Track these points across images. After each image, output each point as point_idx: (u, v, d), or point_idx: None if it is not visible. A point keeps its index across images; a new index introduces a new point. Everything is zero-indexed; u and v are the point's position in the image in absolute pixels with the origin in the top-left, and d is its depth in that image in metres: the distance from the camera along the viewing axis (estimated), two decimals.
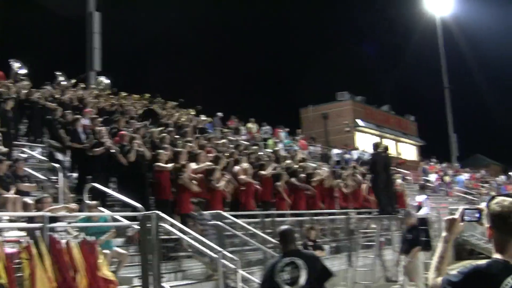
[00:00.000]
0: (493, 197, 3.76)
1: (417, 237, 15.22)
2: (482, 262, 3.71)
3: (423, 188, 25.41)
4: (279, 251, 6.99)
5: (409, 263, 15.36)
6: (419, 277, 15.44)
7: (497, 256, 3.65)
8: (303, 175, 18.98)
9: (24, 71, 23.05)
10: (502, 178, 54.73)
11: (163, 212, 11.45)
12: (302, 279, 6.39)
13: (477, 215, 3.95)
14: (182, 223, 13.14)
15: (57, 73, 25.92)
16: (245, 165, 16.84)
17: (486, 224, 3.77)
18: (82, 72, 30.51)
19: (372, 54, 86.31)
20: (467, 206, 4.22)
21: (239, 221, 13.75)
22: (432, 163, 47.64)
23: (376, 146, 18.54)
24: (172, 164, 14.61)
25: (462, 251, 28.55)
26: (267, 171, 17.61)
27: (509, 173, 59.11)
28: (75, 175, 15.87)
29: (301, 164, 21.33)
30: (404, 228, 16.40)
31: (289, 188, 18.11)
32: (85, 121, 18.10)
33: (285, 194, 17.67)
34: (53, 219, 9.70)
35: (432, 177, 42.47)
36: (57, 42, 53.21)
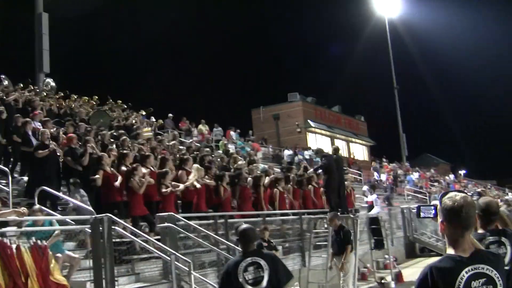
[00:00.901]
0: (445, 193, 3.83)
1: (345, 237, 15.34)
2: (437, 259, 3.78)
3: (373, 188, 25.67)
4: (239, 251, 6.92)
5: (344, 264, 15.51)
6: (351, 277, 15.68)
7: (450, 251, 3.72)
8: (250, 177, 18.90)
9: None
10: (450, 177, 55.73)
11: (112, 214, 11.37)
12: (265, 280, 6.40)
13: (433, 211, 4.02)
14: (134, 225, 13.10)
15: (2, 76, 25.45)
16: (196, 166, 16.74)
17: (439, 219, 3.83)
18: (31, 73, 30.00)
19: (323, 52, 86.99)
20: (422, 204, 4.31)
21: (191, 223, 13.68)
22: (384, 163, 48.22)
23: (317, 151, 18.99)
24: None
25: (413, 248, 28.97)
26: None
27: (458, 171, 60.24)
28: (25, 178, 15.66)
29: (250, 166, 21.33)
30: (331, 230, 16.56)
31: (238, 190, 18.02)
32: (35, 124, 17.89)
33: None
34: (3, 224, 9.55)
35: (383, 176, 42.98)
36: (5, 43, 52.38)
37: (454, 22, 75.90)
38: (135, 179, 13.83)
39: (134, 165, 14.30)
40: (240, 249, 7.31)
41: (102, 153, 14.73)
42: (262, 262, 6.44)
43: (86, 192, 13.94)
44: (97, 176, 13.92)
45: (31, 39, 32.73)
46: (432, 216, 4.08)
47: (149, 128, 25.56)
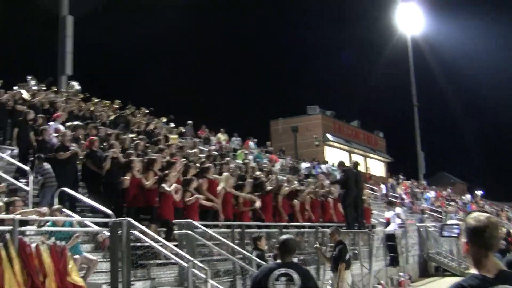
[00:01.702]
0: (469, 212, 3.80)
1: (340, 253, 14.70)
2: (463, 278, 3.74)
3: (391, 204, 25.57)
4: (277, 259, 6.85)
5: (338, 282, 14.85)
6: None
7: (473, 271, 3.67)
8: (269, 187, 18.94)
9: None
10: (467, 197, 55.35)
11: (134, 219, 11.42)
12: None
13: (456, 230, 3.98)
14: (168, 229, 13.26)
15: (28, 77, 25.62)
16: (226, 175, 16.85)
17: (463, 239, 3.80)
18: (54, 75, 30.15)
19: (346, 65, 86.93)
20: (446, 222, 4.27)
21: (209, 230, 13.69)
22: (401, 180, 48.00)
23: (340, 164, 18.81)
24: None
25: (427, 267, 28.80)
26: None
27: (475, 192, 59.81)
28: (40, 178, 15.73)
29: (269, 176, 21.37)
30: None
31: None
32: (56, 125, 18.02)
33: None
34: (23, 223, 9.60)
35: (400, 192, 42.78)
36: (29, 44, 52.86)
37: (477, 40, 75.54)
38: (166, 186, 13.95)
39: (166, 172, 14.42)
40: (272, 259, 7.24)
41: (134, 158, 14.80)
42: (295, 276, 6.38)
43: (107, 194, 14.03)
44: (126, 177, 14.01)
45: (54, 41, 32.97)
46: (455, 235, 4.06)
47: (176, 136, 25.66)
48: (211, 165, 17.55)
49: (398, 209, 23.33)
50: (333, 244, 15.63)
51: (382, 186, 41.70)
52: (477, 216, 3.70)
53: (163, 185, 14.00)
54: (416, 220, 30.26)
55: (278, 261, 6.69)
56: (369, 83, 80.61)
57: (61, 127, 17.90)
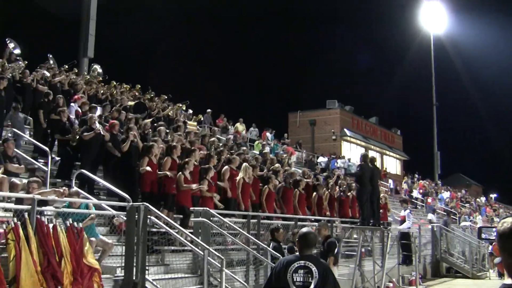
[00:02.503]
0: (504, 217, 3.64)
1: (329, 247, 14.22)
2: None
3: (405, 202, 25.48)
4: (296, 252, 6.82)
5: None
6: None
7: (508, 281, 3.39)
8: (290, 180, 18.99)
9: (18, 51, 22.79)
10: (482, 199, 55.11)
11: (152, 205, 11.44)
12: (312, 287, 6.33)
13: (495, 233, 3.83)
14: (184, 215, 13.32)
15: (49, 55, 25.70)
16: (245, 165, 16.89)
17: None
18: (75, 57, 30.19)
19: (365, 63, 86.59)
20: (484, 224, 4.16)
21: (226, 220, 13.70)
22: (416, 179, 47.92)
23: (364, 157, 18.55)
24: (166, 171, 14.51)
25: (439, 268, 28.68)
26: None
27: (489, 194, 59.56)
28: (57, 158, 15.83)
29: (287, 169, 21.36)
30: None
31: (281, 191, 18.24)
32: (76, 107, 18.08)
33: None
34: (41, 203, 9.61)
35: (415, 192, 42.66)
36: (52, 25, 52.97)
37: (500, 40, 74.99)
38: (186, 173, 13.98)
39: (186, 160, 14.44)
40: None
41: (154, 143, 14.81)
42: (314, 269, 6.35)
43: (125, 179, 14.06)
44: (144, 162, 14.05)
45: (77, 23, 33.02)
46: (494, 237, 3.91)
47: (195, 123, 25.70)
48: (236, 157, 17.59)
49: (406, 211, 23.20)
50: (358, 239, 15.63)
51: (390, 181, 41.56)
52: (506, 220, 3.46)
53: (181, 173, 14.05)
54: (441, 222, 30.10)
55: (297, 253, 6.67)
56: (390, 81, 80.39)
57: (78, 109, 18.01)
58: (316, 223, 19.04)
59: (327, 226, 15.32)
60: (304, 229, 6.85)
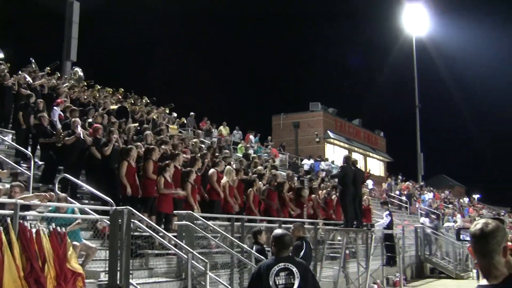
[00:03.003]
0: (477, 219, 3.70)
1: (295, 250, 14.34)
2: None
3: (385, 204, 25.65)
4: (273, 255, 6.82)
5: None
6: None
7: (482, 282, 3.55)
8: (274, 183, 19.01)
9: (1, 55, 22.73)
10: (465, 200, 55.46)
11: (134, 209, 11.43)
12: (295, 287, 6.36)
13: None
14: (158, 221, 13.22)
15: (32, 59, 25.61)
16: (228, 168, 16.91)
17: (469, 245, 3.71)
18: (59, 60, 30.09)
19: (348, 66, 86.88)
20: (465, 225, 4.21)
21: (210, 223, 13.70)
22: (399, 180, 48.15)
23: (346, 159, 18.60)
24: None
25: (423, 269, 28.85)
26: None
27: (473, 195, 59.92)
28: (40, 163, 15.79)
29: (272, 171, 21.37)
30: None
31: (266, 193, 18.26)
32: (58, 111, 18.02)
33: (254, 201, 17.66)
34: (24, 208, 9.58)
35: (397, 193, 42.84)
36: (35, 29, 52.77)
37: (481, 42, 75.52)
38: (166, 176, 13.93)
39: (167, 162, 14.42)
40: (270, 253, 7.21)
41: (132, 146, 14.75)
42: (294, 270, 6.40)
43: (106, 183, 14.00)
44: (124, 167, 14.04)
45: (60, 26, 32.91)
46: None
47: (176, 126, 25.68)
48: (222, 161, 17.64)
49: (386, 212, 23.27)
50: (341, 241, 15.59)
51: (369, 181, 41.67)
52: (476, 222, 3.60)
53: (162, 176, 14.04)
54: (433, 225, 30.23)
55: (273, 257, 6.68)
56: (372, 83, 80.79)
57: (61, 113, 17.97)
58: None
59: (302, 227, 15.07)
60: (279, 231, 6.86)
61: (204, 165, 16.96)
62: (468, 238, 3.97)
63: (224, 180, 16.42)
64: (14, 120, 18.11)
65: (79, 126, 15.28)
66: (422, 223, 29.23)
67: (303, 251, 13.39)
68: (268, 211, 18.22)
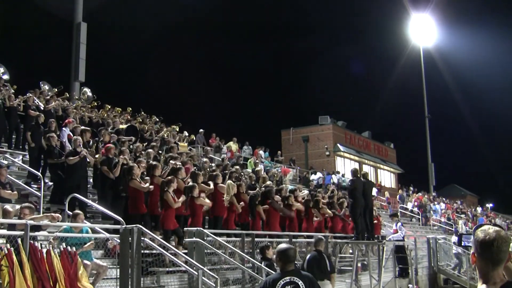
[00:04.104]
0: (480, 225, 3.75)
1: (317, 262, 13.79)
2: None
3: (395, 216, 25.60)
4: (278, 269, 6.85)
5: None
6: None
7: (480, 285, 3.61)
8: (280, 197, 18.95)
9: (7, 76, 22.93)
10: (478, 209, 55.21)
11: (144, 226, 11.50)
12: None
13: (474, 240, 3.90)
14: (165, 238, 13.18)
15: (41, 82, 25.80)
16: (229, 182, 16.84)
17: (472, 250, 3.76)
18: (66, 81, 30.30)
19: (355, 75, 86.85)
20: (464, 232, 4.23)
21: (219, 239, 13.72)
22: (411, 191, 48.04)
23: (355, 172, 18.63)
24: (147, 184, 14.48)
25: (436, 280, 28.67)
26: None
27: (486, 204, 59.63)
28: (50, 183, 15.91)
29: (281, 186, 21.36)
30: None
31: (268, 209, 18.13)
32: (68, 131, 18.12)
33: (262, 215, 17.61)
34: (35, 228, 9.65)
35: (410, 205, 42.69)
36: (42, 50, 53.09)
37: (489, 52, 75.40)
38: (170, 191, 13.92)
39: (170, 177, 14.42)
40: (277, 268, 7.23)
41: (133, 164, 14.76)
42: (300, 283, 6.42)
43: (115, 201, 14.08)
44: (149, 185, 14.16)
45: (67, 47, 33.09)
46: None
47: (186, 144, 25.77)
48: (219, 173, 17.58)
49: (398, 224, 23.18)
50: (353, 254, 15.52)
51: (374, 189, 41.69)
52: (486, 229, 3.63)
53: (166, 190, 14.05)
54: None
55: (279, 271, 6.71)
56: (381, 94, 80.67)
57: (70, 133, 18.08)
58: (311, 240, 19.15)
59: (322, 241, 14.99)
60: (283, 246, 6.90)
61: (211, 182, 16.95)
62: (470, 244, 3.99)
63: (226, 197, 16.30)
64: (24, 141, 18.29)
65: (81, 145, 15.38)
66: (454, 243, 28.78)
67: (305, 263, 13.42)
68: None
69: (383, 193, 45.64)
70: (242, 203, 16.71)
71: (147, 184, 14.17)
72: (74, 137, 16.04)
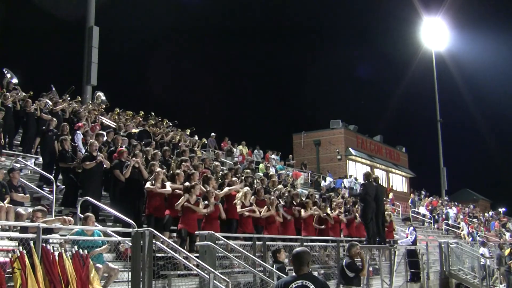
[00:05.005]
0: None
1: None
2: None
3: (407, 220, 25.51)
4: (293, 272, 6.85)
5: None
6: None
7: None
8: (294, 201, 19.01)
9: (15, 80, 23.02)
10: (490, 213, 54.93)
11: (156, 229, 11.53)
12: None
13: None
14: (182, 240, 13.37)
15: (52, 86, 25.87)
16: (246, 189, 16.92)
17: None
18: (79, 85, 30.37)
19: (368, 82, 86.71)
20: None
21: (231, 243, 13.72)
22: (423, 196, 47.90)
23: (366, 176, 18.59)
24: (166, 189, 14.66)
25: (449, 284, 28.53)
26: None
27: (499, 209, 59.34)
28: (62, 187, 15.97)
29: (293, 190, 21.35)
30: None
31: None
32: (81, 135, 18.18)
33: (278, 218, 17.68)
34: (47, 231, 9.69)
35: (422, 209, 42.55)
36: (55, 53, 53.29)
37: (502, 56, 75.09)
38: (193, 197, 14.14)
39: (193, 183, 14.59)
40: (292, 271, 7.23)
41: (158, 169, 15.01)
42: (312, 287, 6.41)
43: (128, 204, 14.19)
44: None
45: (79, 51, 33.23)
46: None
47: (198, 149, 25.83)
48: (235, 179, 17.70)
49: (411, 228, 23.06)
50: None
51: (390, 194, 41.57)
52: None
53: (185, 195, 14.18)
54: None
55: (293, 274, 6.71)
56: (393, 98, 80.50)
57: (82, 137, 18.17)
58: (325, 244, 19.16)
59: (354, 246, 14.71)
60: (297, 249, 6.90)
61: (224, 186, 16.99)
62: None
63: (238, 201, 16.40)
64: (38, 145, 18.41)
65: (97, 149, 15.44)
66: (482, 254, 28.58)
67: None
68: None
69: (387, 194, 45.53)
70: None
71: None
72: (90, 141, 16.10)
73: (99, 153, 15.40)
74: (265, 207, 17.17)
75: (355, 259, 13.58)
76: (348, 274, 13.05)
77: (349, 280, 13.08)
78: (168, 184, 14.85)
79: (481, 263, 27.86)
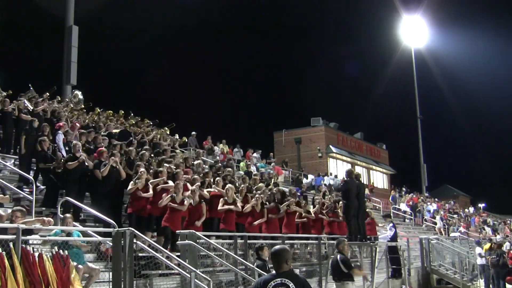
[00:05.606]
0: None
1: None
2: None
3: (388, 217, 25.64)
4: (272, 271, 6.85)
5: None
6: None
7: None
8: (275, 199, 19.03)
9: None
10: (470, 209, 55.33)
11: (138, 228, 11.52)
12: None
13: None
14: (165, 239, 13.37)
15: (30, 85, 25.65)
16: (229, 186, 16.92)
17: None
18: (58, 84, 30.16)
19: (348, 79, 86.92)
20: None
21: (212, 241, 13.72)
22: (403, 192, 48.15)
23: (349, 173, 18.65)
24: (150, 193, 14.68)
25: (430, 280, 28.69)
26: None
27: (479, 204, 59.75)
28: (42, 187, 15.87)
29: (275, 188, 21.37)
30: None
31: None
32: (62, 135, 18.06)
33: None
34: (26, 232, 9.61)
35: (403, 206, 42.75)
36: (33, 53, 52.94)
37: (481, 52, 75.67)
38: (178, 195, 14.15)
39: (178, 182, 14.63)
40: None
41: (141, 169, 15.01)
42: (291, 285, 6.39)
43: (109, 204, 14.17)
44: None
45: (58, 50, 33.04)
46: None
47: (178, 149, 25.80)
48: (219, 178, 17.71)
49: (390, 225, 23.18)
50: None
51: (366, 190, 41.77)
52: None
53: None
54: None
55: (273, 272, 6.70)
56: (373, 95, 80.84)
57: (65, 136, 18.04)
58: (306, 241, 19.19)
59: (343, 243, 14.71)
60: (276, 246, 6.87)
61: (205, 184, 16.98)
62: None
63: (222, 200, 16.41)
64: (17, 145, 18.21)
65: (80, 149, 15.39)
66: (479, 254, 28.60)
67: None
68: None
69: (375, 196, 45.75)
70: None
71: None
72: (74, 141, 16.04)
73: (82, 153, 15.35)
74: (249, 204, 17.21)
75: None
76: (343, 269, 13.07)
77: (344, 276, 13.11)
78: (151, 185, 14.84)
79: (478, 263, 28.06)
